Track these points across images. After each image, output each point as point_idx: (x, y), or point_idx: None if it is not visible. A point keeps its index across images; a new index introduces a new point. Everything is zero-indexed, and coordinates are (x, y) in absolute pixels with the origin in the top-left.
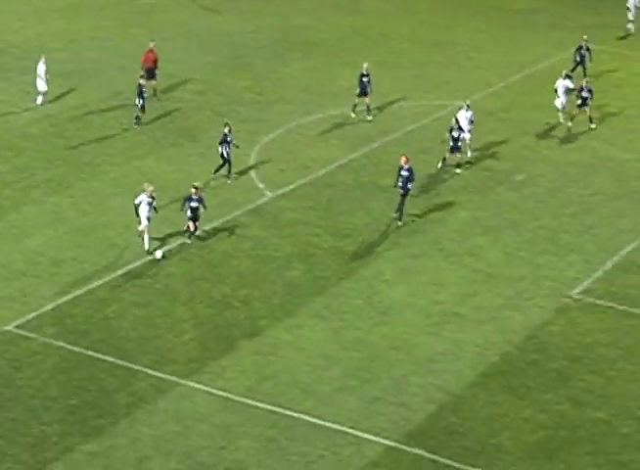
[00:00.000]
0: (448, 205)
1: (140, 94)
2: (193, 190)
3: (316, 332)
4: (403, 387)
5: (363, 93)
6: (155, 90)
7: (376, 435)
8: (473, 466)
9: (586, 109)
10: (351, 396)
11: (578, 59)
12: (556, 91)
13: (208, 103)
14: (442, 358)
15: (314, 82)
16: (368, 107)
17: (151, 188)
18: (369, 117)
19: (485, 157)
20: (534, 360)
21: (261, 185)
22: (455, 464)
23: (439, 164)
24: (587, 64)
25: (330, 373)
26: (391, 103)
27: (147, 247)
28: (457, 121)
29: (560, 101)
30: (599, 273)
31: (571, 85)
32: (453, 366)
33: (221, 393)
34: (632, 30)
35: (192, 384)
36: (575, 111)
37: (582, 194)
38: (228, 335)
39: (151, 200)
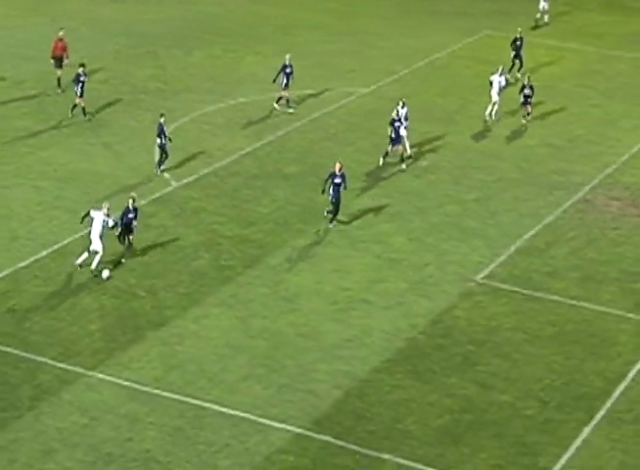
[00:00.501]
0: (352, 191)
1: (77, 82)
2: (130, 201)
3: (222, 321)
4: (310, 374)
5: (286, 85)
6: (59, 80)
7: (283, 422)
8: (379, 451)
9: (528, 107)
10: (258, 384)
11: (514, 51)
12: (491, 84)
13: (113, 92)
14: (349, 345)
15: (219, 71)
16: (287, 99)
17: (107, 206)
18: (291, 110)
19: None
20: (440, 345)
21: (166, 174)
22: (362, 450)
23: (381, 161)
24: (523, 56)
25: (236, 362)
26: (296, 91)
27: (94, 266)
28: (398, 114)
29: (494, 95)
30: (502, 258)
31: (504, 82)
32: (360, 352)
33: (128, 383)
34: (547, 20)
35: (98, 375)
36: (524, 111)
37: (486, 180)
38: (134, 325)
39: (106, 218)
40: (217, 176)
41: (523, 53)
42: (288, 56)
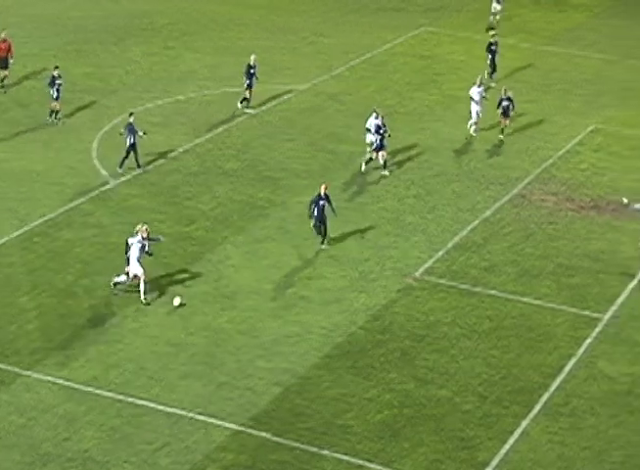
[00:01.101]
0: (291, 188)
1: (52, 85)
2: (144, 227)
3: (162, 319)
4: (249, 371)
5: (249, 85)
6: (3, 80)
7: (222, 419)
8: (319, 447)
9: (507, 120)
10: (198, 381)
11: (490, 57)
12: (471, 99)
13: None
14: (288, 341)
15: (157, 68)
16: (247, 99)
17: (144, 228)
18: (250, 111)
19: (328, 140)
20: (379, 341)
21: (105, 172)
22: (301, 446)
23: (364, 167)
24: (497, 62)
25: (176, 360)
26: (235, 87)
27: (143, 297)
28: (379, 120)
29: (475, 109)
30: (441, 253)
31: (484, 93)
32: (299, 349)
33: (66, 383)
34: (497, 19)
35: (35, 375)
36: (503, 121)
37: (424, 175)
38: (72, 324)
39: (142, 241)
40: (157, 173)
41: (497, 58)
42: (253, 56)
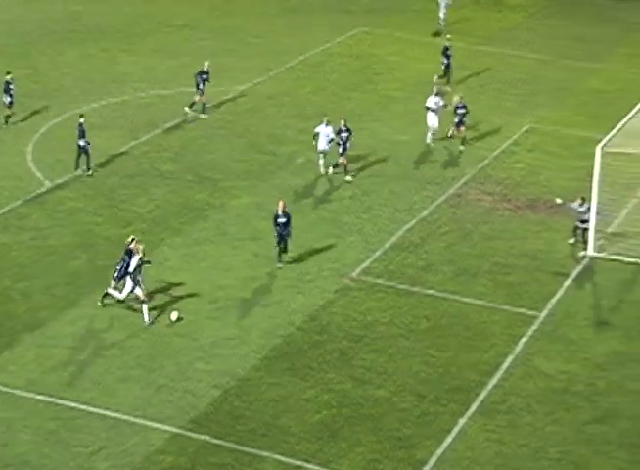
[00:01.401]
0: (230, 190)
1: (6, 91)
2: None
3: (100, 322)
4: (189, 373)
5: (201, 90)
6: None
7: (161, 422)
8: (259, 449)
9: (462, 128)
10: (136, 384)
11: (446, 61)
12: (427, 109)
13: None
14: (227, 343)
15: (93, 70)
16: (203, 104)
17: (141, 247)
18: (203, 116)
19: (267, 141)
20: (317, 341)
21: (40, 175)
22: (241, 448)
23: (330, 170)
24: (452, 66)
25: (115, 363)
26: (170, 89)
27: (146, 319)
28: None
29: (431, 119)
30: (378, 253)
31: (442, 102)
32: (238, 350)
33: (3, 387)
34: (442, 24)
35: None
36: (453, 130)
37: (361, 176)
38: (9, 328)
39: (141, 260)
40: (93, 176)
41: (452, 62)
42: (206, 63)
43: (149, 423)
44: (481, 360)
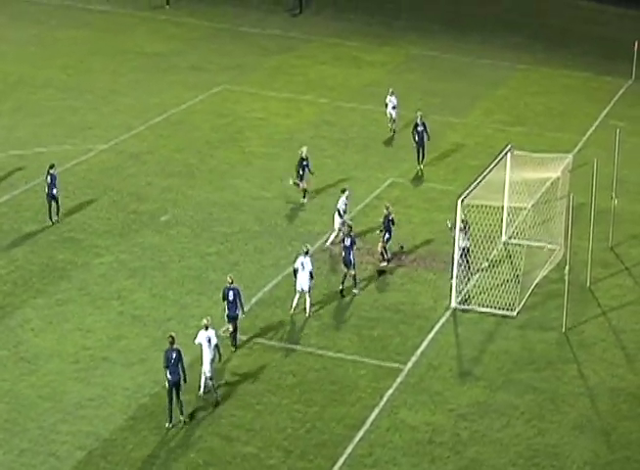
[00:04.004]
0: (93, 249)
1: None
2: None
3: None
4: (52, 436)
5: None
6: None
7: None
8: None
9: (304, 181)
10: None
11: (417, 139)
12: (337, 211)
13: None
14: (91, 404)
15: None
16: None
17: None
18: (303, 200)
19: (130, 199)
20: (184, 399)
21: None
22: None
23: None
24: (426, 146)
25: None
26: (30, 150)
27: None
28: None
29: (338, 222)
30: (245, 309)
31: (347, 201)
32: (103, 411)
33: None
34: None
35: None
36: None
37: (226, 232)
38: None
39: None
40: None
41: (426, 141)
42: (304, 148)
43: None
44: (348, 414)
